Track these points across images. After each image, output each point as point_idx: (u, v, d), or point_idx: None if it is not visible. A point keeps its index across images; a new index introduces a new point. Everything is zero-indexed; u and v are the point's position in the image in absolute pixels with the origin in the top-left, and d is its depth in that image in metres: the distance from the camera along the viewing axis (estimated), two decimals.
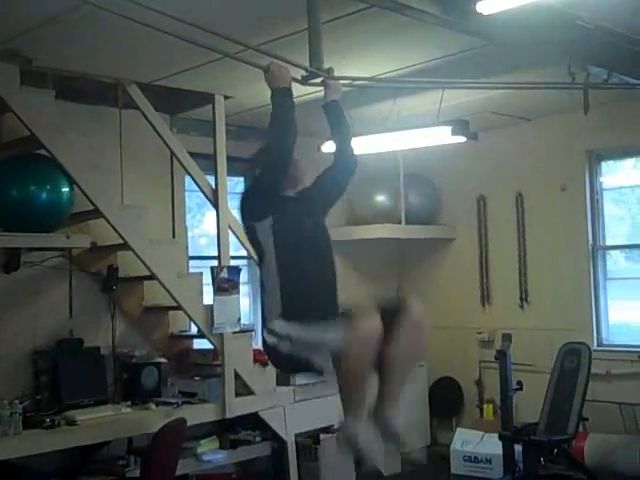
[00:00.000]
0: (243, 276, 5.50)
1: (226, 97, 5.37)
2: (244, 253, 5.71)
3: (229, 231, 5.32)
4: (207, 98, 5.35)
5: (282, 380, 5.65)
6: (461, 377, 7.41)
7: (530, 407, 6.20)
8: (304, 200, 3.30)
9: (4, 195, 4.51)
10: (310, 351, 2.98)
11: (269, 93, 3.16)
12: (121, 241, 4.90)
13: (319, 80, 3.38)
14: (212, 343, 5.24)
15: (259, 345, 6.19)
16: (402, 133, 5.70)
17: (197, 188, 5.47)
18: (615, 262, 6.86)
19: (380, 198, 7.26)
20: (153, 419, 4.69)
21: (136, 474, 4.62)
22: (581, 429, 5.97)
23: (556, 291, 6.77)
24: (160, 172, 5.93)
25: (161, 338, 5.66)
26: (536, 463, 5.76)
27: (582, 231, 6.65)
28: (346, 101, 3.62)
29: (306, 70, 3.31)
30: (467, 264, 7.44)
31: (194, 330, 5.52)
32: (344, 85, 3.58)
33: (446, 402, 7.44)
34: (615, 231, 6.80)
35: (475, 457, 6.44)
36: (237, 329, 5.29)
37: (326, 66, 3.34)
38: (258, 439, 5.54)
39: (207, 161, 5.46)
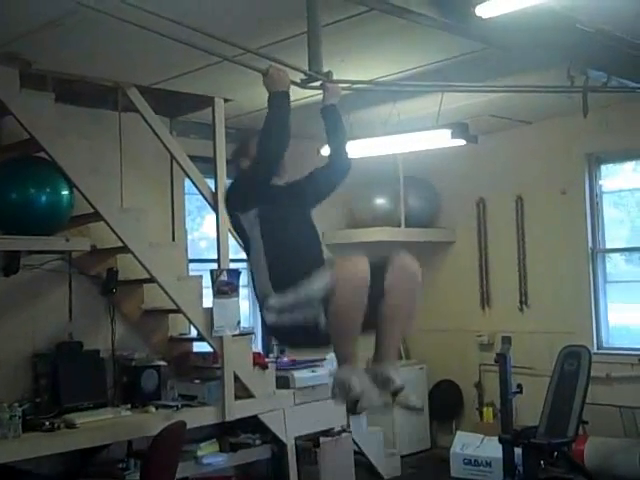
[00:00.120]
0: (243, 279, 5.50)
1: (226, 100, 5.37)
2: (244, 256, 5.70)
3: (229, 234, 5.32)
4: (207, 101, 5.36)
5: (282, 383, 5.65)
6: (461, 380, 7.41)
7: (530, 410, 6.19)
8: (294, 189, 3.37)
9: (4, 198, 4.51)
10: (304, 310, 2.97)
11: (267, 96, 3.17)
12: (121, 244, 4.90)
13: (318, 83, 3.38)
14: (212, 346, 5.24)
15: (258, 348, 6.24)
16: (402, 136, 5.71)
17: (197, 191, 5.48)
18: (615, 265, 6.86)
19: (380, 201, 7.27)
20: (153, 422, 4.69)
21: (136, 477, 4.61)
22: (581, 432, 5.96)
23: (556, 294, 6.77)
24: (160, 175, 5.94)
25: (161, 341, 5.66)
26: (536, 466, 5.75)
27: (582, 234, 6.65)
28: (346, 104, 3.62)
29: (305, 73, 3.30)
30: (467, 267, 7.44)
31: (194, 333, 5.53)
32: (343, 88, 3.58)
33: (446, 405, 7.44)
34: (615, 234, 6.79)
35: (475, 460, 6.44)
36: (237, 332, 5.28)
37: (325, 69, 3.34)
38: (258, 442, 5.53)
39: (207, 164, 5.47)
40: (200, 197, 5.55)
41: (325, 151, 3.58)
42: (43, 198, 4.57)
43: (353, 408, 2.97)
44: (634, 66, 4.42)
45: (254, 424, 5.45)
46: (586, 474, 5.75)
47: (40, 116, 4.50)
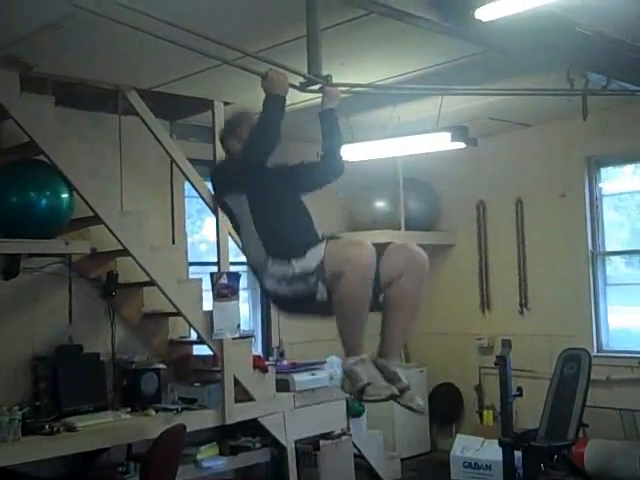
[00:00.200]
0: (243, 282, 5.51)
1: (225, 103, 5.37)
2: (244, 259, 5.70)
3: (229, 237, 5.32)
4: (206, 104, 5.36)
5: (282, 386, 5.65)
6: (461, 383, 7.41)
7: (530, 413, 6.19)
8: (283, 172, 3.40)
9: (4, 201, 4.52)
10: (301, 282, 3.01)
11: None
12: (121, 247, 4.90)
13: (317, 87, 3.38)
14: (212, 349, 5.23)
15: (258, 351, 6.23)
16: (402, 139, 5.71)
17: (197, 194, 5.48)
18: (615, 268, 6.86)
19: (380, 204, 7.27)
20: (153, 425, 4.69)
21: None
22: (581, 435, 5.96)
23: (556, 297, 6.77)
24: (160, 178, 5.94)
25: (161, 344, 5.65)
26: (536, 469, 5.75)
27: (582, 237, 6.65)
28: (345, 107, 3.62)
29: (304, 77, 3.30)
30: (467, 270, 7.44)
31: (194, 336, 5.52)
32: (343, 92, 3.58)
33: (446, 408, 7.43)
34: (615, 237, 6.80)
35: (475, 463, 6.44)
36: (237, 335, 5.27)
37: (325, 73, 3.33)
38: (258, 445, 5.53)
39: (207, 167, 5.44)
40: (200, 200, 5.55)
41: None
42: (43, 201, 4.58)
43: (360, 396, 3.00)
44: (634, 69, 4.42)
45: (254, 427, 5.44)
46: (586, 477, 5.75)
47: (40, 119, 4.50)
